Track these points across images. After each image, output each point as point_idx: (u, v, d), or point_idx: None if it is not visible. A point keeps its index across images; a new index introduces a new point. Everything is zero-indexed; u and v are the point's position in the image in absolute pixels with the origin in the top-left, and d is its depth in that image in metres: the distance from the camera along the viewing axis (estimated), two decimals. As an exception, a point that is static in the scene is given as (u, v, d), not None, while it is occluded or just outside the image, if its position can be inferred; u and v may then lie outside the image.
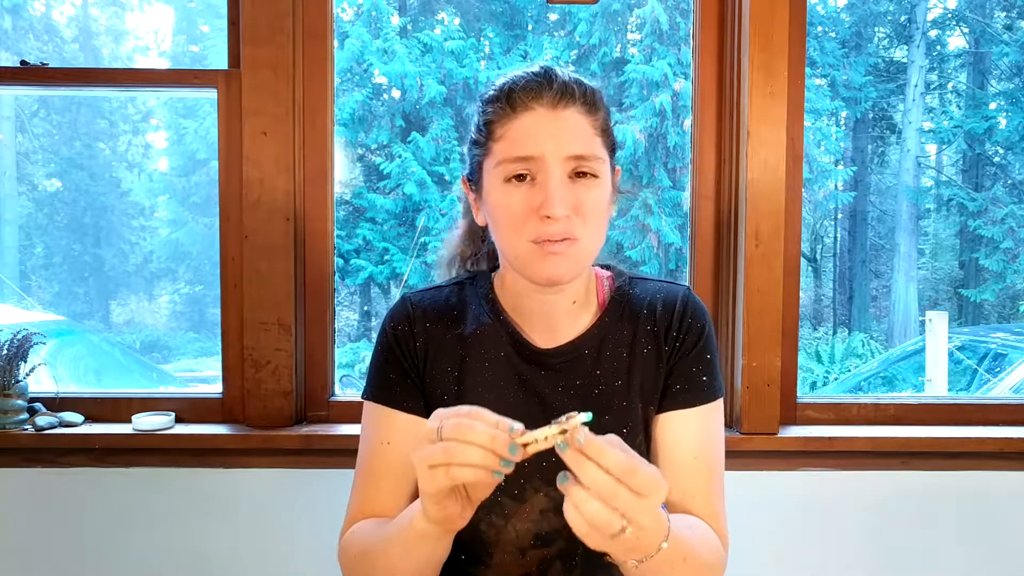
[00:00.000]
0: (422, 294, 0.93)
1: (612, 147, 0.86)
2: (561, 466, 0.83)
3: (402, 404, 0.88)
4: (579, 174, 0.80)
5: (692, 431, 0.89)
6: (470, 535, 0.83)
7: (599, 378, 0.88)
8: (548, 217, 0.78)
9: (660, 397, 0.89)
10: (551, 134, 0.79)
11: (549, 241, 0.79)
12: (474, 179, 0.87)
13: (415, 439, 0.88)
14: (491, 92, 0.84)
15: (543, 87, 0.81)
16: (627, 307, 0.91)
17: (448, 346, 0.89)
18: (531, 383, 0.88)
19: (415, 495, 0.88)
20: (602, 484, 0.60)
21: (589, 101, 0.82)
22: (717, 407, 0.91)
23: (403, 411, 0.88)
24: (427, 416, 0.87)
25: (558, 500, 0.83)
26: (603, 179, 0.82)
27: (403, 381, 0.89)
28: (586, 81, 0.85)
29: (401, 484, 0.87)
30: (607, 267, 0.97)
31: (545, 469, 0.84)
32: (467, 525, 0.82)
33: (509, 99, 0.82)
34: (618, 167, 0.90)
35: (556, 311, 0.89)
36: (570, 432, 0.61)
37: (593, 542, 0.63)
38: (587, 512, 0.61)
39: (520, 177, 0.80)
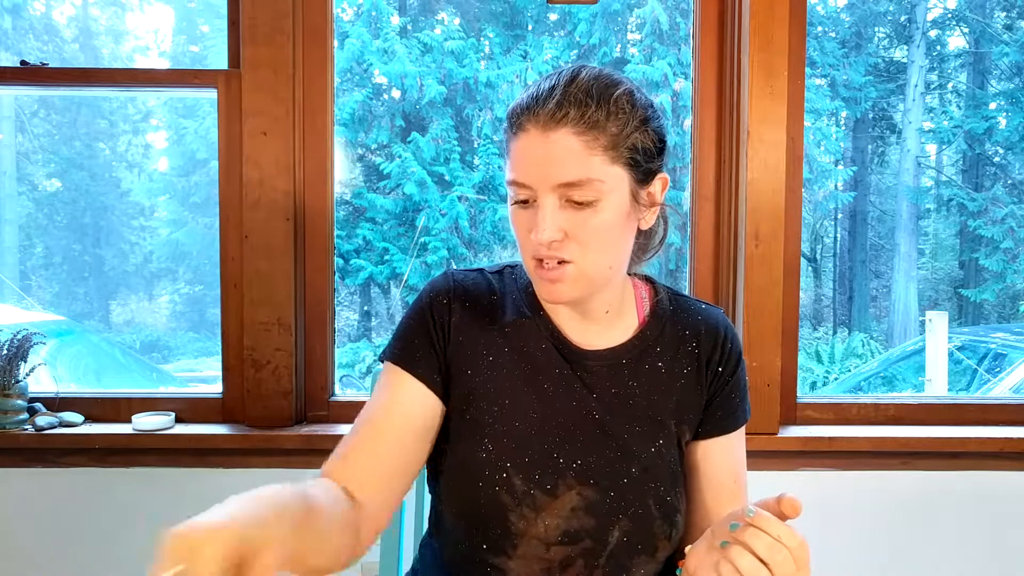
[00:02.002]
0: (465, 274, 0.93)
1: (633, 159, 0.79)
2: (597, 464, 0.84)
3: (417, 370, 0.87)
4: (573, 203, 0.78)
5: (731, 455, 0.92)
6: (498, 525, 0.82)
7: (635, 389, 0.88)
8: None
9: (700, 422, 0.91)
10: (540, 160, 0.77)
11: (543, 264, 0.80)
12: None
13: (426, 408, 0.87)
14: (511, 104, 0.83)
15: (538, 105, 0.78)
16: (668, 324, 0.91)
17: (485, 331, 0.89)
18: (570, 381, 0.87)
19: (412, 462, 0.87)
20: (771, 550, 0.66)
21: (590, 117, 0.76)
22: (744, 429, 0.94)
23: (416, 378, 0.87)
24: (439, 390, 0.88)
25: (590, 499, 0.83)
26: (607, 203, 0.78)
27: (426, 349, 0.88)
28: (600, 88, 0.78)
29: (401, 444, 0.86)
30: (647, 279, 0.96)
31: (580, 467, 0.84)
32: (496, 514, 0.82)
33: (511, 118, 0.80)
34: (662, 175, 0.84)
35: (588, 318, 0.89)
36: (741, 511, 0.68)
37: None
38: (743, 568, 0.66)
39: (523, 202, 0.80)
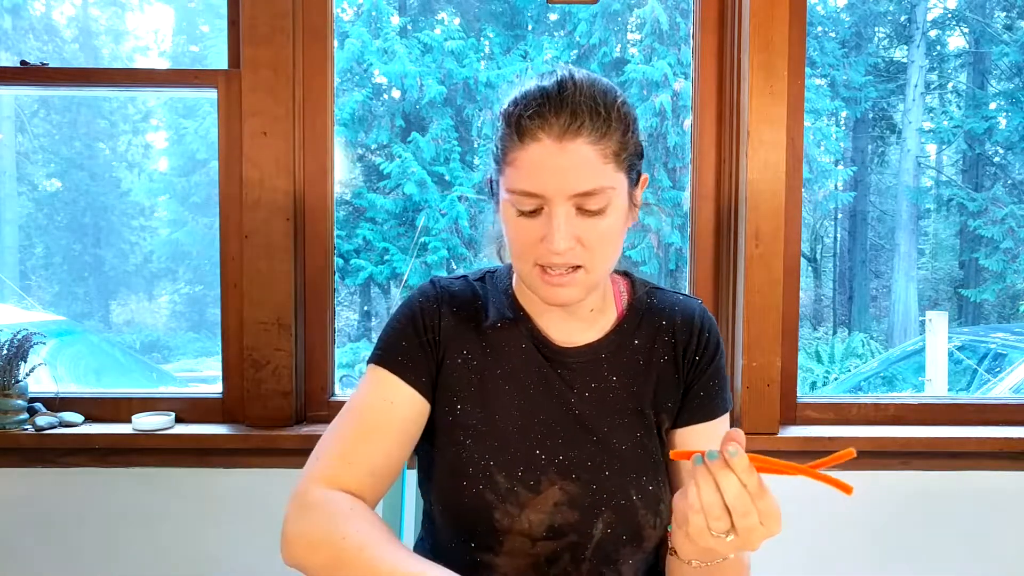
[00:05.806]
0: (451, 281, 0.94)
1: (631, 163, 0.82)
2: (578, 459, 0.86)
3: (407, 375, 0.87)
4: (585, 211, 0.78)
5: (711, 443, 0.91)
6: (484, 522, 0.83)
7: (615, 383, 0.90)
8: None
9: (678, 411, 0.92)
10: (556, 170, 0.77)
11: (551, 271, 0.80)
12: (494, 187, 0.86)
13: (416, 411, 0.87)
14: (506, 107, 0.81)
15: (550, 114, 0.77)
16: (645, 316, 0.93)
17: (470, 336, 0.90)
18: (550, 379, 0.89)
19: (400, 464, 0.86)
20: (737, 499, 0.67)
21: (600, 126, 0.77)
22: (727, 417, 0.94)
23: (407, 383, 0.87)
24: (427, 393, 0.88)
25: (572, 493, 0.85)
26: (613, 207, 0.80)
27: (415, 352, 0.88)
28: (602, 95, 0.79)
29: (400, 447, 0.86)
30: (625, 274, 0.97)
31: (561, 462, 0.86)
32: (481, 511, 0.83)
33: (517, 127, 0.78)
34: (645, 175, 0.87)
35: (573, 316, 0.90)
36: (722, 443, 0.68)
37: (693, 526, 0.69)
38: (705, 502, 0.68)
39: (530, 212, 0.80)
